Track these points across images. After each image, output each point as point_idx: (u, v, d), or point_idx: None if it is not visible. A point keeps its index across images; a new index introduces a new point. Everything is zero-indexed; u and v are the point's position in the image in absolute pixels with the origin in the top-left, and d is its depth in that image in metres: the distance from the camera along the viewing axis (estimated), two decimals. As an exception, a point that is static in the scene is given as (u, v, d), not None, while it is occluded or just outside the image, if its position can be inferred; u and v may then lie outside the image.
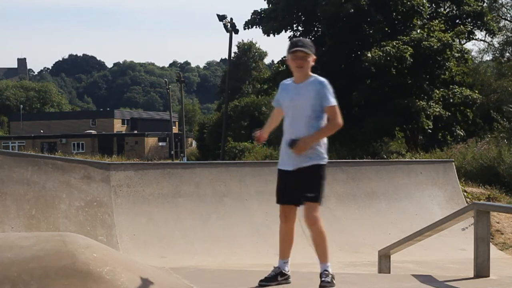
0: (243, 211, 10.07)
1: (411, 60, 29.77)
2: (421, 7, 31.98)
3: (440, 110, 30.28)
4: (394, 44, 30.06)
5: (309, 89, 4.86)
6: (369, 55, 29.67)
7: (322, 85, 4.85)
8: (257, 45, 76.64)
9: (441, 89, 31.43)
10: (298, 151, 4.73)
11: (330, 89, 4.85)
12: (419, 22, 32.94)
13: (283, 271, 5.03)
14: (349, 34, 31.58)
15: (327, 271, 4.80)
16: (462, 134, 30.85)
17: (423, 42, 30.20)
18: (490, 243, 6.25)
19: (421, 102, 29.85)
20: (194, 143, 79.39)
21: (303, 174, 4.79)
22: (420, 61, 30.49)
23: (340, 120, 4.86)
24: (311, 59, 4.90)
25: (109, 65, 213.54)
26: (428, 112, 29.79)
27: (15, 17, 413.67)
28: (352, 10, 30.49)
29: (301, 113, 4.85)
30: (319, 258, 4.90)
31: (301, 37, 4.82)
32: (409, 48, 29.79)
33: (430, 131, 30.20)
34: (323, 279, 4.76)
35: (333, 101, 4.84)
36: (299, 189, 4.78)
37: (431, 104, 30.30)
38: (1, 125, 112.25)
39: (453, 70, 31.87)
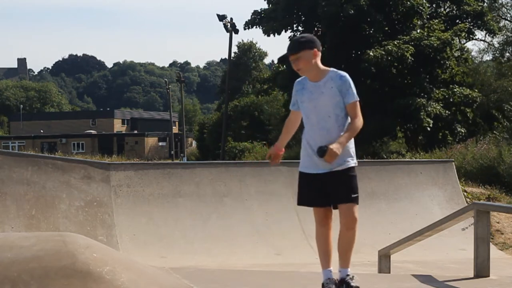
0: (243, 211, 10.08)
1: (412, 59, 29.75)
2: (421, 7, 31.98)
3: (440, 109, 30.27)
4: (395, 43, 30.05)
5: (330, 86, 4.53)
6: (370, 53, 29.66)
7: (342, 80, 4.52)
8: (257, 45, 76.63)
9: (441, 89, 31.44)
10: (330, 158, 4.38)
11: (351, 84, 4.54)
12: (419, 22, 32.95)
13: (336, 279, 4.58)
14: (349, 34, 31.58)
15: (349, 274, 4.52)
16: (463, 131, 30.78)
17: (423, 41, 30.20)
18: (490, 243, 6.25)
19: (421, 99, 29.84)
20: (194, 143, 79.42)
21: (341, 176, 4.51)
22: (420, 61, 30.50)
23: (361, 117, 4.54)
24: (307, 56, 4.54)
25: (109, 65, 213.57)
26: (429, 110, 29.77)
27: (15, 17, 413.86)
28: (352, 12, 30.50)
29: (326, 113, 4.53)
30: (343, 262, 4.55)
31: (296, 36, 4.14)
32: (410, 47, 29.77)
33: (429, 129, 30.15)
34: (352, 283, 4.46)
35: (354, 97, 4.53)
36: (337, 191, 4.51)
37: (431, 103, 30.30)
38: (1, 125, 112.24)
39: (453, 70, 31.87)
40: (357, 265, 8.71)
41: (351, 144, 4.59)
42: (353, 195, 4.51)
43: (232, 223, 9.87)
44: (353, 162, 4.57)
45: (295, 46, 4.58)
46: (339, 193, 4.51)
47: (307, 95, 4.61)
